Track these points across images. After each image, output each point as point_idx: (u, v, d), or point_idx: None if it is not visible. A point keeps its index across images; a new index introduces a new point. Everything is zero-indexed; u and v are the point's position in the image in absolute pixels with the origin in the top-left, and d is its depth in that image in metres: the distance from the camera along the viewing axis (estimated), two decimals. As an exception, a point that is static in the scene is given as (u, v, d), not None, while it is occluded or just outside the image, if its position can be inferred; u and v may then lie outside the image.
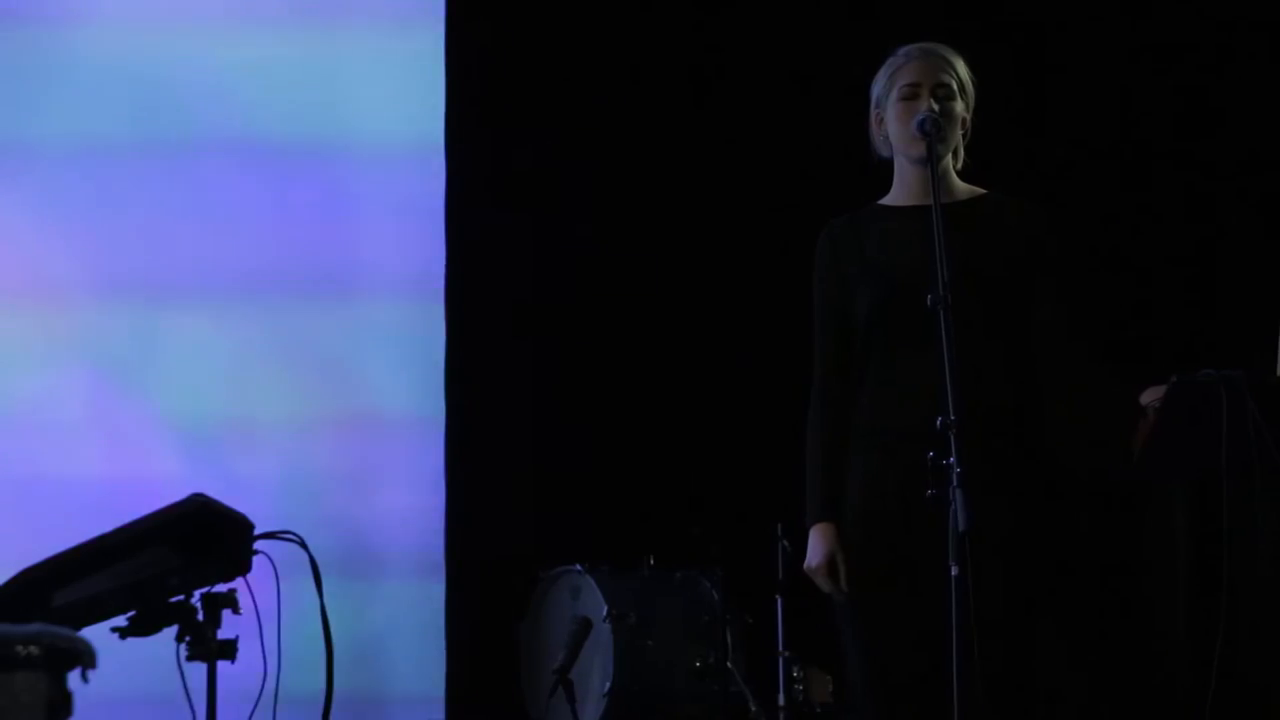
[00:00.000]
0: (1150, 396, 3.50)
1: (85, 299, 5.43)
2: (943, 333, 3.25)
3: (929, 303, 3.28)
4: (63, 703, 2.35)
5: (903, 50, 3.60)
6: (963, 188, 3.60)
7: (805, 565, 3.53)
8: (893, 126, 3.56)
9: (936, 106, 3.50)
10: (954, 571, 3.17)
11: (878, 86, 3.59)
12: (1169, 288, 5.62)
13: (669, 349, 5.72)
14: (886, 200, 3.62)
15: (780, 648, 5.14)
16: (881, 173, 3.64)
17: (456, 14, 5.68)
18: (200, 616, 3.26)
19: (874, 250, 3.55)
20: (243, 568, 3.29)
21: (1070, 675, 4.48)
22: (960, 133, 3.58)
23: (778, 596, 5.14)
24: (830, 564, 3.48)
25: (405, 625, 5.53)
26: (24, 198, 5.41)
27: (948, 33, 3.68)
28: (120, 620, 3.22)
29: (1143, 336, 5.42)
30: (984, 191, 3.61)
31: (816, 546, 3.50)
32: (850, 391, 3.54)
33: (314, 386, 5.54)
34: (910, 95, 3.53)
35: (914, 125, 3.48)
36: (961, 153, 3.60)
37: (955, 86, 3.55)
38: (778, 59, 5.80)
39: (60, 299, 5.42)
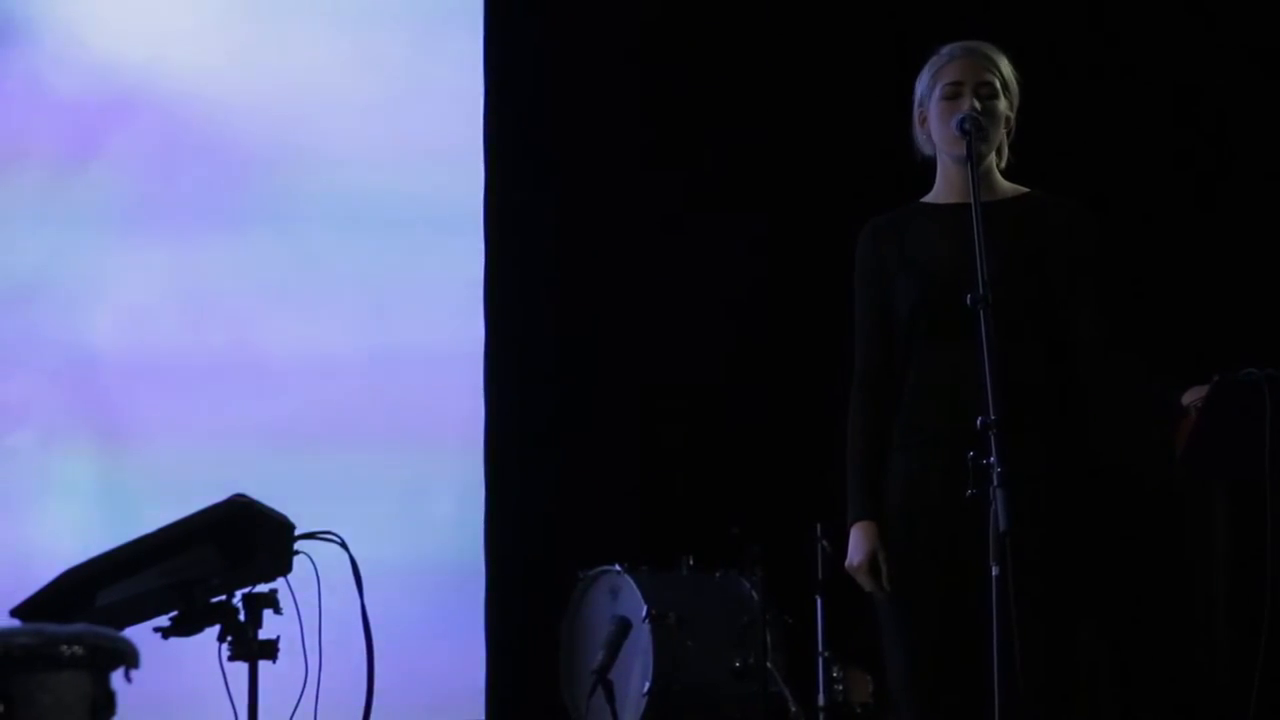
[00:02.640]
0: (1192, 397, 3.48)
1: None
2: (983, 331, 3.25)
3: (969, 301, 3.27)
4: (106, 702, 2.36)
5: (946, 49, 3.59)
6: (1007, 187, 3.59)
7: (846, 564, 3.52)
8: (935, 125, 3.56)
9: (979, 105, 3.50)
10: (994, 571, 3.17)
11: (921, 85, 3.59)
12: (1211, 285, 5.59)
13: (709, 349, 5.72)
14: (929, 198, 3.62)
15: (820, 648, 5.13)
16: (923, 172, 3.63)
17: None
18: (242, 617, 3.27)
19: (915, 248, 3.55)
20: (284, 568, 3.30)
21: (1111, 675, 4.46)
22: (1004, 131, 3.57)
23: (817, 597, 5.13)
24: (871, 562, 3.48)
25: (446, 625, 5.54)
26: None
27: (992, 30, 3.68)
28: (163, 620, 3.23)
29: (1186, 335, 5.39)
30: (1028, 190, 3.60)
31: (857, 545, 3.50)
32: (890, 390, 3.54)
33: (354, 384, 5.56)
34: (953, 94, 3.53)
35: (954, 124, 3.48)
36: (1006, 151, 3.59)
37: (998, 85, 3.54)
38: (824, 55, 5.79)
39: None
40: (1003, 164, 3.60)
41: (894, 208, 3.63)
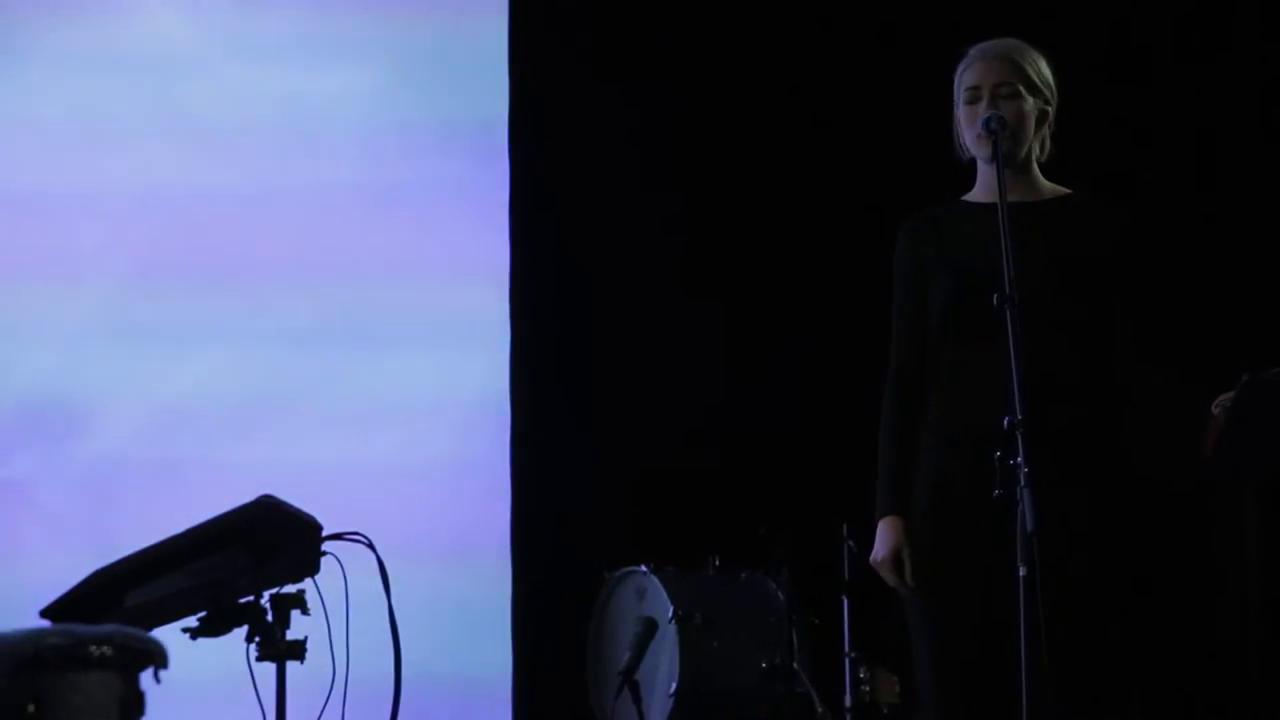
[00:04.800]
0: (1223, 401, 3.47)
1: (160, 287, 5.48)
2: (1009, 332, 3.24)
3: (995, 301, 3.27)
4: (135, 702, 2.37)
5: (969, 51, 3.60)
6: (1047, 187, 3.58)
7: (871, 558, 3.53)
8: (963, 129, 3.58)
9: (997, 106, 3.50)
10: (1022, 572, 3.16)
11: (954, 88, 3.61)
12: (1243, 285, 5.56)
13: (735, 347, 5.72)
14: (969, 197, 3.63)
15: (846, 648, 5.12)
16: (971, 169, 3.64)
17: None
18: (269, 617, 3.28)
19: (951, 246, 3.55)
20: (311, 569, 3.31)
21: (1140, 676, 4.45)
22: (1038, 129, 3.56)
23: (844, 597, 5.12)
24: (896, 558, 3.48)
25: (471, 626, 5.54)
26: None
27: (1037, 30, 3.67)
28: (191, 620, 3.25)
29: (1220, 337, 5.35)
30: (1068, 191, 3.59)
31: (883, 540, 3.50)
32: (924, 386, 3.54)
33: (379, 380, 5.56)
34: (972, 99, 3.54)
35: (979, 124, 3.49)
36: (1048, 147, 3.59)
37: (1021, 85, 3.53)
38: (864, 52, 5.77)
39: (131, 285, 5.46)
40: (1044, 158, 3.59)
41: (933, 203, 3.64)
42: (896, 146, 5.38)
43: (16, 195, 5.42)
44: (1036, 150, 3.58)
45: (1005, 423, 3.19)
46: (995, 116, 3.47)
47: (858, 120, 5.70)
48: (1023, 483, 3.16)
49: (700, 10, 5.81)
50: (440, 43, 5.66)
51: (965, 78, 3.57)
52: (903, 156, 5.17)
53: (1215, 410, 3.45)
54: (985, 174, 3.58)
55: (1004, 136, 3.47)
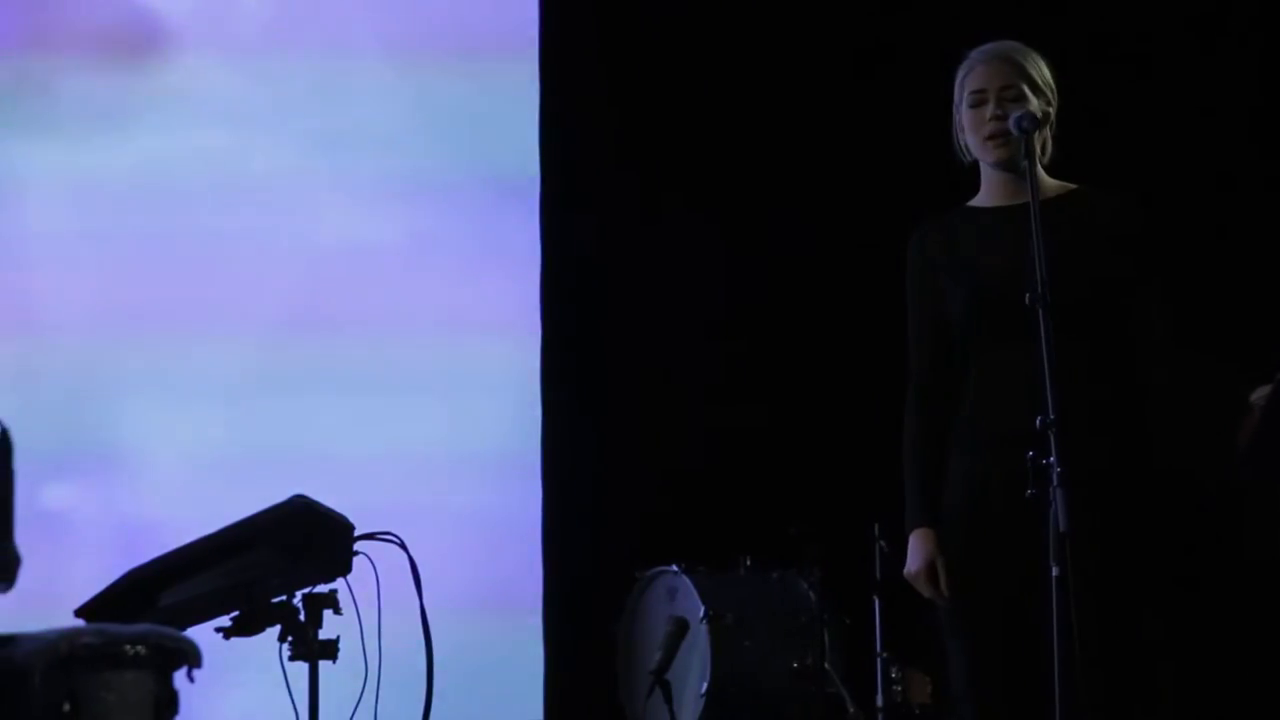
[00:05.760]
0: (1260, 394, 3.45)
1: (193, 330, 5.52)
2: (1042, 332, 3.24)
3: (1027, 301, 3.26)
4: (169, 701, 2.38)
5: (970, 55, 3.58)
6: (1052, 184, 3.57)
7: (905, 571, 3.51)
8: (968, 134, 3.55)
9: (1003, 110, 3.48)
10: (1055, 572, 3.15)
11: (955, 92, 3.59)
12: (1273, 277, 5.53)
13: (766, 350, 5.72)
14: (975, 202, 3.61)
15: (878, 649, 5.11)
16: (970, 176, 3.62)
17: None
18: (302, 617, 3.29)
19: (966, 251, 3.54)
20: (343, 568, 3.32)
21: (1173, 677, 4.42)
22: (1041, 131, 3.54)
23: (875, 597, 5.11)
24: (930, 569, 3.47)
25: (503, 626, 5.55)
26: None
27: (1043, 29, 3.66)
28: (224, 620, 3.26)
29: (1251, 330, 5.32)
30: (1075, 187, 3.57)
31: (916, 552, 3.49)
32: (946, 392, 3.53)
33: (409, 373, 5.58)
34: (977, 103, 3.52)
35: (1011, 124, 3.47)
36: (1050, 148, 3.58)
37: (1025, 87, 3.51)
38: (884, 59, 5.77)
39: (169, 329, 5.50)
40: (1046, 159, 3.57)
41: (942, 210, 3.63)
42: (908, 151, 5.37)
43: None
44: (1039, 151, 3.56)
45: (1038, 422, 3.18)
46: (1027, 115, 3.45)
47: (888, 122, 5.69)
48: (1055, 482, 3.15)
49: (720, 54, 5.81)
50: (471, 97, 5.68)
51: (969, 81, 3.55)
52: (933, 153, 5.17)
53: (1253, 401, 3.42)
54: (991, 178, 3.56)
55: (1030, 134, 3.45)
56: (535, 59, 5.71)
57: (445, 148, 5.66)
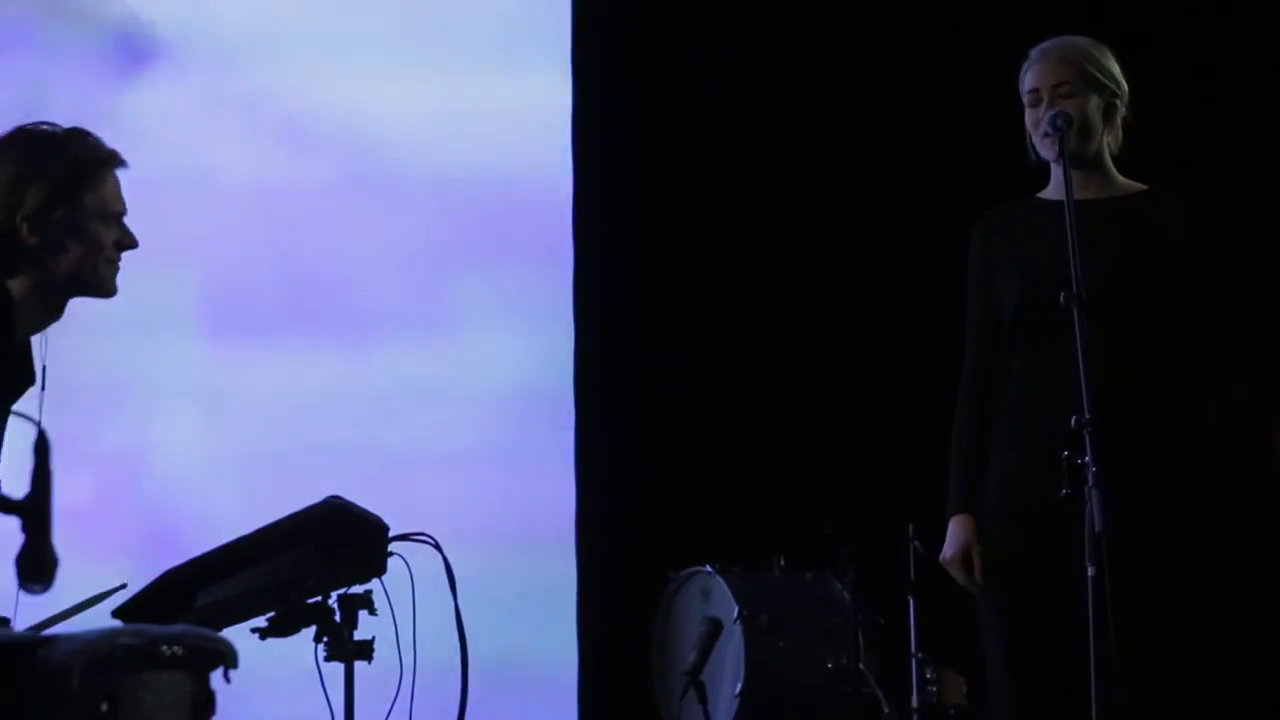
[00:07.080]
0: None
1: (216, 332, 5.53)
2: (1077, 330, 3.23)
3: (1062, 300, 3.26)
4: (206, 702, 2.39)
5: (1030, 54, 3.59)
6: (1122, 183, 3.57)
7: (940, 556, 3.53)
8: (1030, 131, 3.58)
9: (1060, 106, 3.48)
10: (1090, 572, 3.15)
11: (1020, 92, 3.61)
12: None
13: (802, 350, 5.71)
14: (1043, 194, 3.62)
15: (913, 649, 5.10)
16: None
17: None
18: (337, 617, 3.30)
19: (1022, 243, 3.55)
20: (378, 569, 3.32)
21: (1210, 680, 4.41)
22: (1107, 124, 3.54)
23: (910, 598, 5.10)
24: (965, 556, 3.47)
25: (537, 627, 5.55)
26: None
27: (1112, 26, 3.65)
28: (260, 621, 3.27)
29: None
30: (1145, 188, 3.57)
31: (953, 538, 3.50)
32: (996, 384, 3.54)
33: (444, 371, 5.59)
34: (1033, 102, 3.56)
35: (1045, 122, 3.49)
36: (1118, 143, 3.57)
37: (1081, 82, 3.51)
38: (944, 47, 5.74)
39: (197, 328, 5.52)
40: (1115, 150, 3.57)
41: (1010, 200, 3.63)
42: (969, 147, 5.35)
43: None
44: (1109, 145, 3.56)
45: (1074, 421, 3.18)
46: (1061, 114, 3.46)
47: (936, 120, 5.67)
48: (1091, 482, 3.14)
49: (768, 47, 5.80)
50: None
51: (1025, 81, 3.58)
52: (970, 157, 5.15)
53: None
54: (1056, 172, 3.58)
55: (1070, 134, 3.45)
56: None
57: (470, 143, 5.66)
